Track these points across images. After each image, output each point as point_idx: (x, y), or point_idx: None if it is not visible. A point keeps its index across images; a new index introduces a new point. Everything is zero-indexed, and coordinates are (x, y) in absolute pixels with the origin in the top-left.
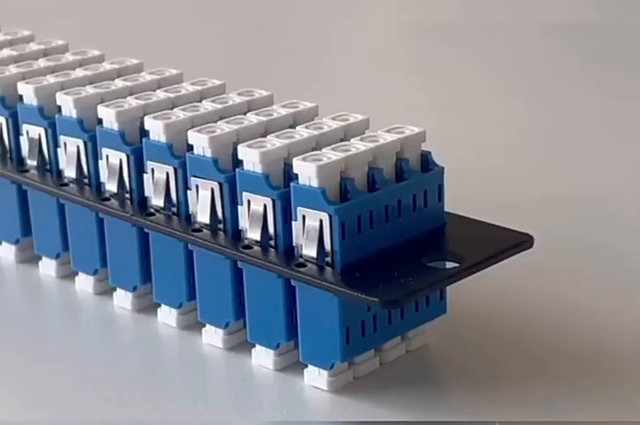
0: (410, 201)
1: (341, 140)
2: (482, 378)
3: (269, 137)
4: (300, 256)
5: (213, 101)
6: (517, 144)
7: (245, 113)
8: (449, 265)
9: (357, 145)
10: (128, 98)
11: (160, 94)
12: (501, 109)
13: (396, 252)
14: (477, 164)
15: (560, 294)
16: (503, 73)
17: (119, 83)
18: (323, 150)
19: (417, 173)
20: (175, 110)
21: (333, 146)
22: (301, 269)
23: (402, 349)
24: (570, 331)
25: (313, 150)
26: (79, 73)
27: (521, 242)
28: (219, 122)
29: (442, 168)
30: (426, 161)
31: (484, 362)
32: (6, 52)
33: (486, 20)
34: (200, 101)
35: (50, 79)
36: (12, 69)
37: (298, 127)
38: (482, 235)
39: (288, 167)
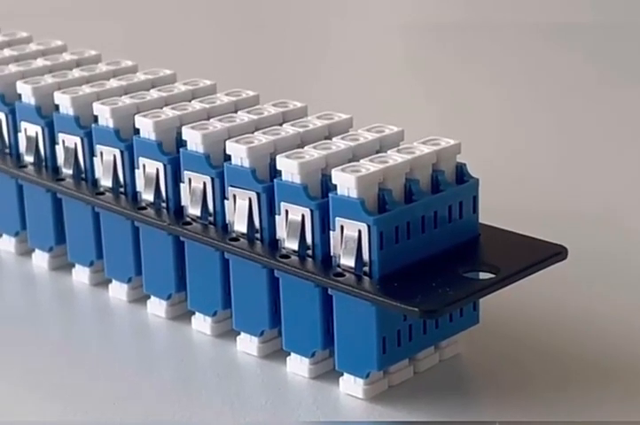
0: (446, 212)
1: (377, 151)
2: (513, 387)
3: (306, 148)
4: (338, 265)
5: (248, 112)
6: (530, 149)
7: (280, 124)
8: (484, 275)
9: (394, 157)
10: (165, 109)
11: (196, 104)
12: (509, 111)
13: (432, 263)
14: (496, 171)
15: (591, 305)
16: (511, 75)
17: (154, 93)
18: (361, 161)
19: (452, 184)
20: (211, 120)
21: (371, 157)
22: (340, 279)
23: (436, 358)
24: (601, 342)
25: (350, 161)
26: (114, 83)
27: (555, 253)
28: (256, 133)
29: (477, 180)
30: (461, 173)
31: (515, 371)
32: (40, 62)
33: (491, 21)
34: (236, 112)
35: (86, 89)
36: (48, 79)
37: (334, 139)
38: (516, 246)
39: (325, 178)
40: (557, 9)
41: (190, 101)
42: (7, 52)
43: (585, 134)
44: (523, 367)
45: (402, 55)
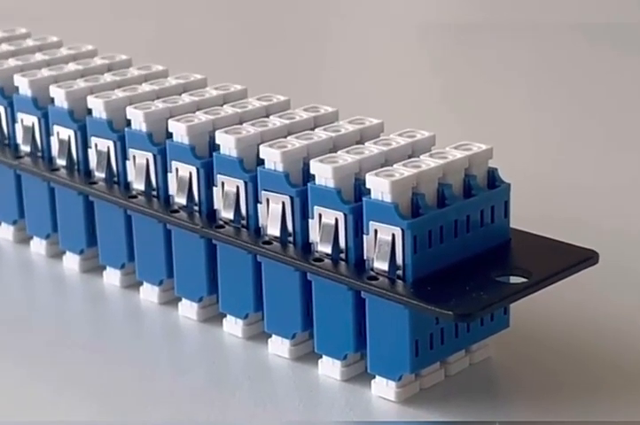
0: (478, 216)
1: (409, 156)
2: (542, 391)
3: (339, 153)
4: (371, 269)
5: (280, 116)
6: (557, 152)
7: (312, 129)
8: (514, 279)
9: (427, 161)
10: (197, 113)
11: (228, 109)
12: (531, 113)
13: (465, 267)
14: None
15: (621, 311)
16: (529, 76)
17: (186, 98)
18: (395, 165)
19: (484, 189)
20: (244, 125)
21: (404, 162)
22: (373, 282)
23: (466, 362)
24: (631, 349)
25: (382, 165)
26: (146, 87)
27: (587, 258)
28: (289, 137)
29: (509, 185)
30: (493, 178)
31: (544, 375)
32: (72, 66)
33: (509, 20)
34: (267, 116)
35: (119, 93)
36: (80, 83)
37: (366, 143)
38: (547, 251)
39: (359, 182)
40: (576, 8)
41: (221, 105)
42: (39, 57)
43: (609, 134)
44: (552, 370)
45: (421, 56)
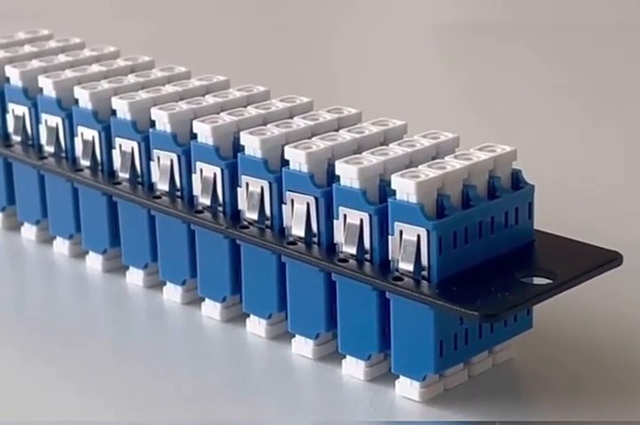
0: (503, 218)
1: (433, 158)
2: (564, 391)
3: (364, 154)
4: (396, 270)
5: (303, 118)
6: (578, 153)
7: (335, 130)
8: (537, 281)
9: (452, 163)
10: (222, 114)
11: (252, 110)
12: (551, 114)
13: (489, 268)
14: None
15: None
16: (548, 76)
17: (210, 99)
18: (420, 167)
19: (508, 190)
20: (268, 126)
21: (429, 163)
22: (399, 282)
23: (489, 362)
24: None
25: (407, 167)
26: (169, 88)
27: (611, 259)
28: (313, 138)
29: (533, 186)
30: (517, 179)
31: (566, 376)
32: (96, 67)
33: (523, 20)
34: (291, 117)
35: (143, 94)
36: (104, 84)
37: (391, 145)
38: (571, 252)
39: (384, 183)
40: (595, 8)
41: (245, 107)
42: (62, 58)
43: (635, 136)
44: (574, 372)
45: (437, 56)
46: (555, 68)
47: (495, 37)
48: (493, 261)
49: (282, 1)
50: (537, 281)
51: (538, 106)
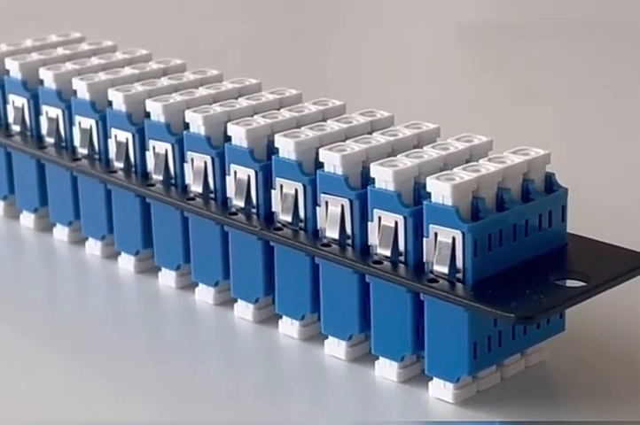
0: (536, 221)
1: (467, 161)
2: (597, 394)
3: (398, 156)
4: (431, 272)
5: (337, 120)
6: (606, 154)
7: (369, 133)
8: (570, 283)
9: (487, 166)
10: (255, 117)
11: (285, 113)
12: (574, 115)
13: (523, 270)
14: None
15: None
16: (575, 77)
17: (243, 102)
18: (455, 169)
19: (542, 193)
20: (302, 128)
21: (464, 166)
22: (434, 284)
23: (522, 364)
24: None
25: (441, 170)
26: (202, 91)
27: None
28: (347, 141)
29: (566, 189)
30: (550, 182)
31: (599, 379)
32: (129, 70)
33: (555, 20)
34: (324, 120)
35: (176, 97)
36: (137, 87)
37: (425, 147)
38: (604, 256)
39: (418, 186)
40: (618, 8)
41: (278, 109)
42: (95, 61)
43: None
44: (606, 374)
45: (464, 57)
46: (582, 68)
47: (522, 37)
48: (526, 264)
49: (310, 5)
50: (570, 283)
51: (567, 107)
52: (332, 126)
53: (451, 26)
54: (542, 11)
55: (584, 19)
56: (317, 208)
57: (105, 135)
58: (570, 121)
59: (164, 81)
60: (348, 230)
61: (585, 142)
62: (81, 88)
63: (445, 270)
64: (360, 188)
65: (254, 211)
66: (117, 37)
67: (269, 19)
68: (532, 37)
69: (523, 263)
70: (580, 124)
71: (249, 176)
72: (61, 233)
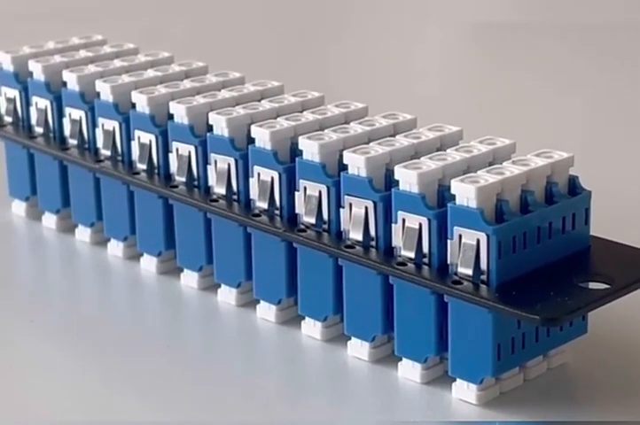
0: (560, 223)
1: (489, 163)
2: (619, 396)
3: (422, 159)
4: (455, 273)
5: (360, 123)
6: (621, 156)
7: (392, 135)
8: (594, 285)
9: (511, 168)
10: (279, 119)
11: (309, 115)
12: (589, 115)
13: (547, 272)
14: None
15: None
16: (589, 78)
17: (266, 104)
18: (479, 172)
19: (566, 196)
20: (326, 131)
21: (488, 169)
22: (458, 286)
23: (544, 366)
24: None
25: (464, 172)
26: (225, 93)
27: None
28: (371, 144)
29: (590, 192)
30: (574, 185)
31: (621, 381)
32: (151, 73)
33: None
34: (347, 123)
35: (200, 99)
36: (161, 89)
37: (448, 150)
38: (627, 258)
39: (442, 188)
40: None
41: (301, 112)
42: (118, 63)
43: None
44: (628, 376)
45: (478, 57)
46: (596, 68)
47: (541, 36)
48: (550, 266)
49: (325, 4)
50: (593, 286)
51: (587, 109)
52: (355, 128)
53: (467, 26)
54: (562, 11)
55: (594, 18)
56: (341, 210)
57: (128, 137)
58: (592, 123)
59: (186, 84)
60: (372, 232)
61: (606, 144)
62: (105, 91)
63: (469, 272)
64: (384, 190)
65: (277, 212)
66: (137, 40)
67: (288, 19)
68: (550, 36)
69: (546, 265)
70: (602, 125)
71: (272, 178)
72: (83, 234)
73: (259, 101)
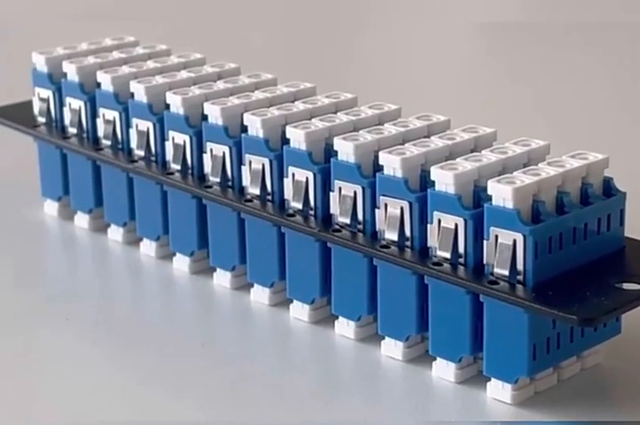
0: (595, 224)
1: (524, 165)
2: None
3: (458, 160)
4: (491, 274)
5: (394, 124)
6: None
7: (426, 136)
8: (629, 286)
9: (547, 170)
10: (313, 120)
11: (343, 117)
12: (600, 115)
13: (582, 273)
14: None
15: None
16: (596, 77)
17: (300, 105)
18: (515, 173)
19: (601, 197)
20: (360, 132)
21: (524, 170)
22: (495, 286)
23: (578, 367)
24: None
25: (500, 173)
26: (259, 95)
27: None
28: (406, 145)
29: (625, 194)
30: (609, 186)
31: None
32: (185, 74)
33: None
34: (381, 124)
35: (234, 100)
36: (195, 90)
37: (483, 151)
38: None
39: (477, 188)
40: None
41: (334, 113)
42: (151, 64)
43: None
44: None
45: (499, 60)
46: (605, 67)
47: (554, 38)
48: (585, 267)
49: (338, 6)
50: (628, 286)
51: (604, 108)
52: (390, 129)
53: (480, 26)
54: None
55: (600, 18)
56: (376, 210)
57: (162, 138)
58: (614, 122)
59: (220, 85)
60: (407, 232)
61: (628, 145)
62: (139, 92)
63: (505, 272)
64: (419, 190)
65: (312, 213)
66: (170, 42)
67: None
68: (565, 36)
69: (582, 266)
70: (626, 125)
71: (307, 178)
72: (115, 233)
73: (292, 102)
